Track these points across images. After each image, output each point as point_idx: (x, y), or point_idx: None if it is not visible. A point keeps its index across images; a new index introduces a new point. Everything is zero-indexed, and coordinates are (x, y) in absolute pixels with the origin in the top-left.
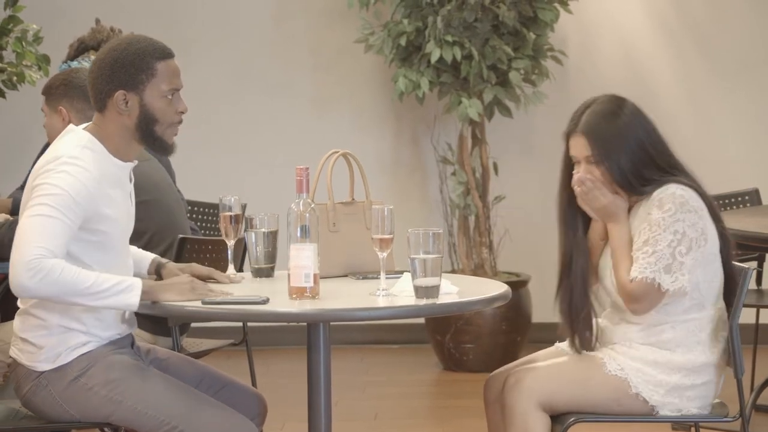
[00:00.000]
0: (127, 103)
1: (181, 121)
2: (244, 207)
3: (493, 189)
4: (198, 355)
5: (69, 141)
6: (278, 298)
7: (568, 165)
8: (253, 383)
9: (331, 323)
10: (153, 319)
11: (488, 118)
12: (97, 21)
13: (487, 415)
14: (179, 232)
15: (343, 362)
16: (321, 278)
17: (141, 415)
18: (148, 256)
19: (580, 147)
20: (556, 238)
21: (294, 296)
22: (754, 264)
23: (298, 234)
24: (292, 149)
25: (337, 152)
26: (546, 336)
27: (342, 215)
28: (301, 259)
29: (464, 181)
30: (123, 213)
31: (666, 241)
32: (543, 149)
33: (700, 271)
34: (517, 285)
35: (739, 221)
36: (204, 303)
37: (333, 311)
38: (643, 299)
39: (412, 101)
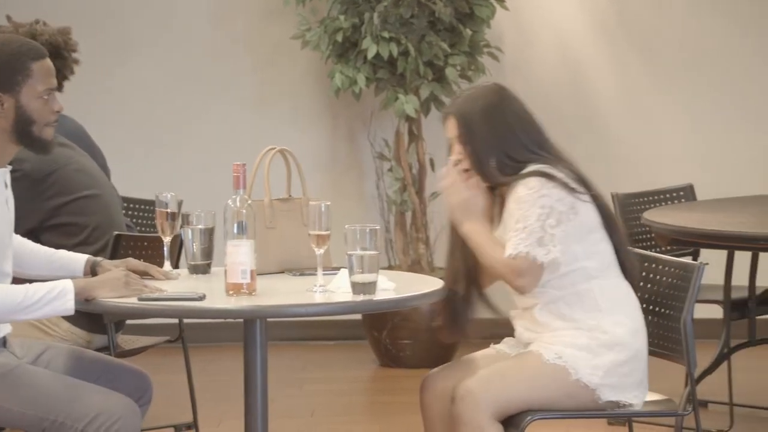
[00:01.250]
0: (2, 105)
1: (57, 120)
2: (180, 204)
3: (430, 185)
4: (133, 352)
5: None
6: (215, 294)
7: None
8: (190, 380)
9: (268, 320)
10: (88, 317)
11: (425, 114)
12: (8, 18)
13: (424, 417)
14: (117, 228)
15: (279, 359)
16: (258, 275)
17: (19, 416)
18: (81, 258)
19: (450, 127)
20: None
21: (231, 293)
22: (688, 259)
23: (235, 230)
24: (229, 146)
25: (274, 149)
26: (482, 332)
27: (279, 212)
28: (238, 256)
29: (401, 178)
30: (4, 224)
31: (534, 215)
32: None
33: (577, 245)
34: None
35: (673, 217)
36: (140, 299)
37: (269, 307)
38: (524, 274)
39: (349, 97)
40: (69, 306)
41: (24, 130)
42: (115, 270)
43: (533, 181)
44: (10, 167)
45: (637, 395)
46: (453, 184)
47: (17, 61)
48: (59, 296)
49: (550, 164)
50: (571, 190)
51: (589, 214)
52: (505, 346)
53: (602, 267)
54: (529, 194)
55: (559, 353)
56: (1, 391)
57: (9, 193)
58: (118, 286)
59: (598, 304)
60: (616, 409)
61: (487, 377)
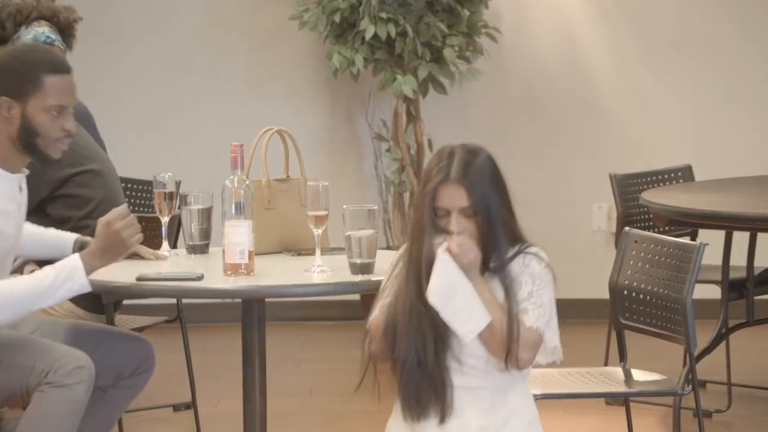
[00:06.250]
0: (9, 110)
1: (68, 137)
2: (178, 184)
3: None
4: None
5: None
6: (213, 274)
7: (433, 216)
8: (188, 360)
9: (266, 300)
10: (87, 296)
11: (423, 95)
12: None
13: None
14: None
15: (278, 339)
16: (256, 255)
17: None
18: (70, 237)
19: (456, 197)
20: None
21: (229, 273)
22: (686, 239)
23: (233, 211)
24: (227, 128)
25: (272, 129)
26: None
27: (277, 192)
28: (236, 236)
29: (399, 158)
30: (16, 228)
31: (548, 296)
32: (477, 126)
33: None
34: None
35: (672, 197)
36: (138, 279)
37: (268, 288)
38: (534, 349)
39: (347, 78)
40: (84, 282)
41: (28, 141)
42: (101, 228)
43: (546, 259)
44: (26, 172)
45: None
46: (463, 244)
47: (30, 70)
48: (70, 276)
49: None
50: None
51: None
52: None
53: None
54: (545, 273)
55: None
56: None
57: (23, 198)
58: (116, 242)
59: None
60: None
61: None
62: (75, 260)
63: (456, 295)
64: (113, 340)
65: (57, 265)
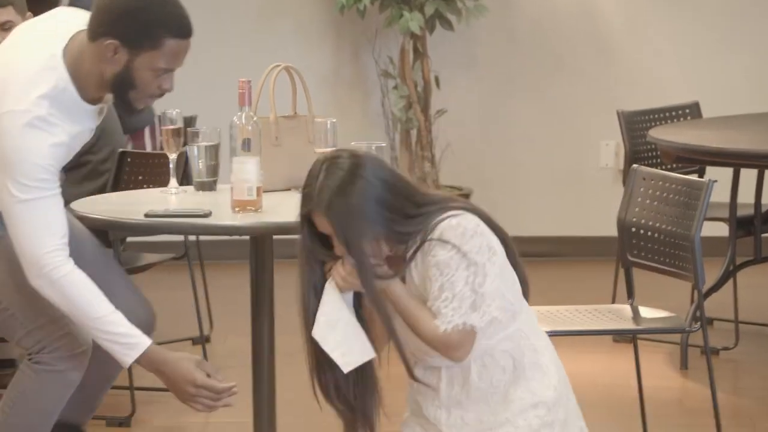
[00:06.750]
0: (116, 52)
1: (160, 96)
2: (188, 120)
3: (435, 103)
4: (139, 269)
5: (36, 83)
6: (221, 211)
7: (310, 239)
8: (195, 297)
9: (274, 237)
10: (92, 232)
11: (430, 32)
12: None
13: None
14: (118, 138)
15: (286, 276)
16: (264, 192)
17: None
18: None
19: (326, 226)
20: (498, 152)
21: (237, 209)
22: (694, 177)
23: (241, 147)
24: (233, 64)
25: (279, 66)
26: None
27: (284, 129)
28: (244, 173)
29: (406, 95)
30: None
31: (462, 280)
32: (485, 62)
33: (501, 283)
34: None
35: (679, 134)
36: (147, 216)
37: (276, 224)
38: (462, 345)
39: (353, 15)
40: (125, 360)
41: (121, 89)
42: (189, 370)
43: (450, 239)
44: (107, 103)
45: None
46: (347, 276)
47: (154, 28)
48: (127, 346)
49: (448, 210)
50: (482, 231)
51: (500, 247)
52: None
53: (520, 299)
54: (451, 257)
55: None
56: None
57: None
58: (181, 394)
59: (531, 342)
60: None
61: None
62: (146, 342)
63: (336, 326)
64: (124, 293)
65: (131, 327)
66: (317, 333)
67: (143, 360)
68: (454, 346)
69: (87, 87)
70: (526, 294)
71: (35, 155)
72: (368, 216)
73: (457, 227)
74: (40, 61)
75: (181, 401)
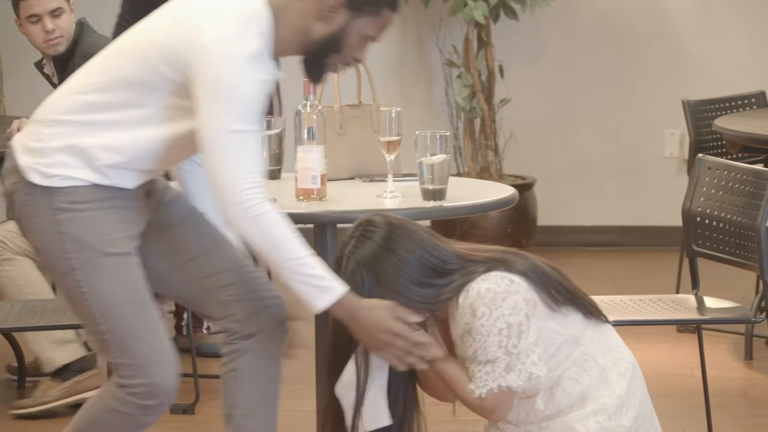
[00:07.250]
0: (334, 13)
1: (350, 66)
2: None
3: (499, 92)
4: None
5: (247, 21)
6: (285, 199)
7: None
8: None
9: (338, 225)
10: None
11: (494, 21)
12: None
13: None
14: None
15: None
16: (328, 180)
17: (80, 297)
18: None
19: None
20: (561, 141)
21: (301, 198)
22: (760, 166)
23: (305, 136)
24: None
25: None
26: (550, 239)
27: (349, 118)
28: (309, 161)
29: (470, 84)
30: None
31: (494, 345)
32: (549, 52)
33: (550, 324)
34: (523, 188)
35: (745, 123)
36: None
37: (340, 213)
38: (498, 408)
39: (418, 4)
40: (318, 305)
41: (323, 51)
42: (386, 317)
43: (480, 307)
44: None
45: None
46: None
47: None
48: (322, 289)
49: (478, 274)
50: (515, 289)
51: (540, 289)
52: None
53: (576, 326)
54: (482, 324)
55: None
56: (87, 264)
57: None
58: (377, 339)
59: (596, 362)
60: None
61: None
62: (342, 288)
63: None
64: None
65: (325, 269)
66: (338, 391)
67: (337, 305)
68: (490, 410)
69: (283, 40)
70: (593, 314)
71: (253, 87)
72: (396, 290)
73: (487, 293)
74: (249, 1)
75: (370, 349)
